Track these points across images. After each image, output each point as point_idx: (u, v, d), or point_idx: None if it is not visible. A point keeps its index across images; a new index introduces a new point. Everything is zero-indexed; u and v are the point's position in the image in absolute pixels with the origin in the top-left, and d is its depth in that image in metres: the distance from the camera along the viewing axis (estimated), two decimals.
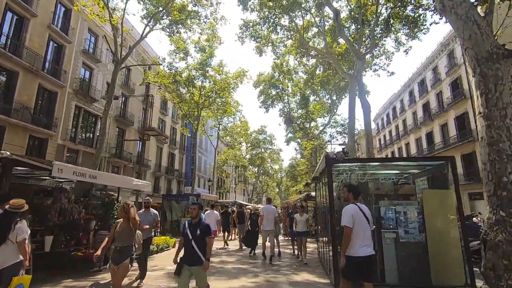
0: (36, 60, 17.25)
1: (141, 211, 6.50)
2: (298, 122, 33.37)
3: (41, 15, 17.75)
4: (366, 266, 3.46)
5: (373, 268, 3.90)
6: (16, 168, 6.53)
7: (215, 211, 10.89)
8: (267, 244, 8.15)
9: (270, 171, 56.86)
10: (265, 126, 53.92)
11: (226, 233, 12.59)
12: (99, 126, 23.20)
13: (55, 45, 19.38)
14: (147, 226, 6.11)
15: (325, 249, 7.37)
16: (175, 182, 37.04)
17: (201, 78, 23.99)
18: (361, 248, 3.44)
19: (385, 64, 21.07)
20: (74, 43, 20.61)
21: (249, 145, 49.80)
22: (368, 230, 3.57)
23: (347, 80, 25.56)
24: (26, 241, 3.55)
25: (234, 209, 16.91)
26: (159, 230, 10.49)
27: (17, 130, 16.02)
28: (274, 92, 32.49)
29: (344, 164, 5.62)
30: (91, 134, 22.77)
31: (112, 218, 8.79)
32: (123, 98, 26.88)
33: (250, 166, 52.58)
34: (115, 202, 9.14)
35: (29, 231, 3.70)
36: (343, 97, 29.34)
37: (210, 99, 25.70)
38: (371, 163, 5.94)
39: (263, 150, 52.98)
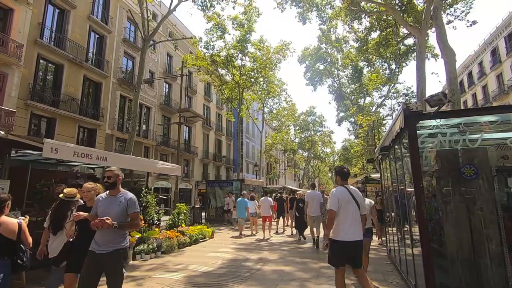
0: (79, 51, 17.51)
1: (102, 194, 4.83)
2: (351, 98, 29.92)
3: (81, 6, 17.87)
4: (353, 252, 3.31)
5: (360, 253, 3.41)
6: (29, 152, 5.83)
7: (269, 198, 11.03)
8: (314, 230, 8.09)
9: (321, 154, 53.66)
10: (314, 107, 50.54)
11: (282, 219, 12.50)
12: (144, 114, 23.44)
13: (97, 36, 19.57)
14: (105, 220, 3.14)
15: (398, 246, 5.28)
16: (223, 168, 36.88)
17: (240, 56, 22.38)
18: (347, 233, 3.31)
19: (463, 12, 16.77)
20: (114, 33, 20.67)
21: (297, 128, 47.37)
22: (357, 214, 3.40)
23: (409, 44, 21.55)
24: None
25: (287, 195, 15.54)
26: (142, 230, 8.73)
27: (67, 121, 16.52)
28: (322, 67, 29.44)
29: (437, 122, 3.44)
30: (138, 123, 23.09)
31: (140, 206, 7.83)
32: (166, 86, 26.86)
33: (300, 150, 50.24)
34: (143, 188, 8.16)
35: None
36: (404, 65, 25.05)
37: (252, 79, 24.05)
38: (488, 116, 3.47)
39: (312, 133, 50.05)
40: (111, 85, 20.04)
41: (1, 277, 2.49)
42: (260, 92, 29.80)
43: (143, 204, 8.12)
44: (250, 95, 29.26)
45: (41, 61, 15.61)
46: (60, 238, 3.45)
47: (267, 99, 31.43)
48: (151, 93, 24.65)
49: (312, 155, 52.33)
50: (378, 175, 14.65)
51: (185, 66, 22.18)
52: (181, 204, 9.28)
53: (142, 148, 22.88)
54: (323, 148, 54.93)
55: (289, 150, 42.86)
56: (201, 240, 8.82)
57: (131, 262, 6.08)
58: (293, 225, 10.41)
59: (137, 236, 6.51)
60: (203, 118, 13.71)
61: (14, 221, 2.75)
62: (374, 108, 29.65)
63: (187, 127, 29.86)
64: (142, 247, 6.43)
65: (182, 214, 9.12)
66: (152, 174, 22.14)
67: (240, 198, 11.01)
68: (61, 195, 3.68)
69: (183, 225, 8.89)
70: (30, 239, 2.84)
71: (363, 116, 20.66)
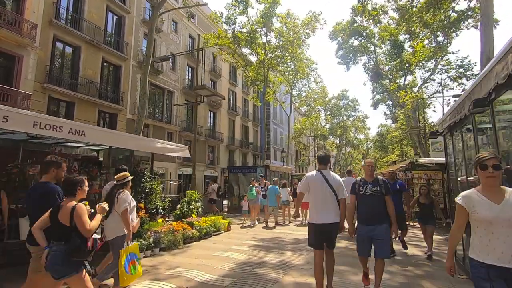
0: (97, 33, 16.82)
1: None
2: (389, 77, 26.81)
3: None
4: (326, 233, 3.41)
5: (334, 235, 3.46)
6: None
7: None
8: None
9: (354, 141, 50.39)
10: (346, 90, 47.03)
11: None
12: (166, 98, 22.67)
13: (115, 16, 18.81)
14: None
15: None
16: (250, 155, 35.69)
17: (264, 31, 20.50)
18: (318, 215, 3.44)
19: None
20: (133, 13, 19.80)
21: (328, 113, 44.60)
22: (329, 197, 3.45)
23: (462, 9, 18.22)
24: (129, 212, 3.60)
25: None
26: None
27: (86, 105, 16.04)
28: (356, 43, 26.52)
29: None
30: (160, 108, 22.41)
31: (139, 194, 6.68)
32: (189, 69, 25.85)
33: (331, 137, 47.52)
34: (146, 173, 6.98)
35: (133, 203, 3.81)
36: (454, 35, 21.51)
37: (278, 58, 22.12)
38: None
39: (345, 118, 46.95)
40: (131, 68, 19.34)
41: (59, 262, 2.37)
42: (287, 74, 27.77)
43: (146, 190, 6.96)
44: (276, 77, 27.40)
45: (57, 42, 15.08)
46: (112, 219, 3.56)
47: (295, 81, 29.28)
48: (174, 77, 23.77)
49: (344, 141, 49.35)
50: (427, 159, 12.36)
51: (206, 46, 20.86)
52: (192, 191, 8.04)
53: (165, 133, 22.22)
54: (356, 134, 51.57)
55: (319, 136, 40.46)
56: (214, 234, 7.53)
57: None
58: None
59: None
60: (221, 96, 12.30)
61: (69, 206, 2.48)
62: (417, 88, 26.31)
63: (211, 113, 28.88)
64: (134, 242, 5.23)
65: (193, 203, 7.88)
66: (167, 159, 21.44)
67: (271, 186, 10.06)
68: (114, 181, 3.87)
69: (193, 215, 7.65)
70: (87, 225, 2.46)
71: (406, 92, 17.90)
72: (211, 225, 7.40)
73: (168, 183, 20.28)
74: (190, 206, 7.74)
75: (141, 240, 5.37)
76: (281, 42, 21.02)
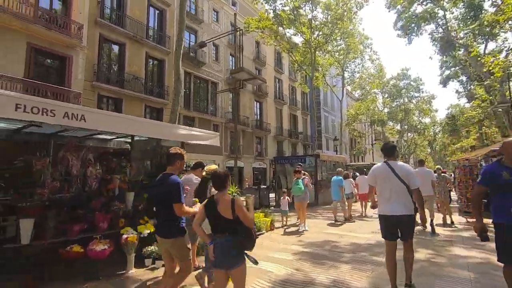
0: (139, 28, 16.94)
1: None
2: (464, 46, 22.40)
3: None
4: (398, 225, 3.27)
5: (408, 228, 3.27)
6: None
7: (366, 176, 9.53)
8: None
9: (418, 126, 44.69)
10: (407, 68, 41.64)
11: None
12: (210, 90, 22.30)
13: (156, 11, 18.82)
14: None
15: None
16: (300, 145, 33.99)
17: (309, 7, 18.51)
18: (388, 207, 3.32)
19: None
20: (173, 6, 19.59)
21: (386, 95, 40.17)
22: (398, 189, 3.28)
23: None
24: None
25: None
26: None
27: (132, 100, 16.32)
28: (420, 9, 22.69)
29: None
30: (205, 100, 22.16)
31: None
32: (232, 59, 25.12)
33: (390, 122, 42.88)
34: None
35: None
36: None
37: (326, 36, 19.93)
38: None
39: (406, 100, 41.86)
40: (174, 61, 19.21)
41: (230, 253, 2.40)
42: (337, 54, 25.22)
43: None
44: (325, 58, 25.08)
45: (103, 41, 15.47)
46: None
47: (347, 62, 26.50)
48: (217, 68, 23.30)
49: (406, 126, 44.19)
50: None
51: (248, 31, 19.76)
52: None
53: (210, 126, 21.92)
54: (420, 118, 45.70)
55: (376, 121, 36.65)
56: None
57: (132, 271, 4.08)
58: None
59: (146, 232, 4.47)
60: (262, 80, 11.09)
61: (227, 199, 2.48)
62: (504, 55, 21.44)
63: (257, 103, 27.91)
64: (152, 248, 4.37)
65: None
66: (214, 151, 21.00)
67: (334, 177, 8.93)
68: (204, 173, 3.86)
69: None
70: (249, 216, 2.48)
71: (495, 58, 14.26)
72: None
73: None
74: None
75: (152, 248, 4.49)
76: (328, 17, 18.83)
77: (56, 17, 13.27)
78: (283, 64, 31.84)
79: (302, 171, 7.84)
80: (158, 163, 6.04)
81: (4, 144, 5.62)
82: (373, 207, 3.81)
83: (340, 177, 8.76)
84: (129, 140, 6.88)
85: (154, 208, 3.07)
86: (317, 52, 22.69)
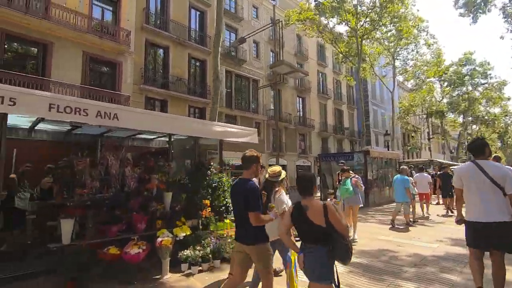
0: (182, 31, 17.40)
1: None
2: None
3: None
4: (490, 234, 2.81)
5: (501, 238, 2.78)
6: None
7: (425, 173, 10.04)
8: None
9: (486, 116, 39.25)
10: (471, 52, 36.66)
11: (448, 199, 9.88)
12: (252, 87, 22.11)
13: (197, 12, 19.16)
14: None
15: None
16: (346, 142, 32.23)
17: None
18: (475, 212, 2.95)
19: None
20: (213, 6, 19.75)
21: (445, 84, 36.01)
22: (489, 191, 2.84)
23: None
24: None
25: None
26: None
27: (177, 101, 16.83)
28: None
29: None
30: (246, 98, 22.05)
31: (204, 188, 5.68)
32: (273, 55, 24.61)
33: (450, 113, 38.41)
34: (212, 164, 5.93)
35: (289, 202, 3.31)
36: None
37: (373, 22, 18.35)
38: None
39: (470, 88, 37.05)
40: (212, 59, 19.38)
41: (321, 265, 2.23)
42: (387, 42, 23.17)
43: (213, 185, 5.90)
44: (373, 47, 23.23)
45: (149, 45, 16.16)
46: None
47: (398, 49, 24.20)
48: (258, 65, 23.02)
49: (470, 118, 39.22)
50: None
51: (288, 24, 19.11)
52: None
53: (252, 123, 21.72)
54: (488, 108, 40.14)
55: (434, 113, 33.06)
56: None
57: (167, 276, 3.88)
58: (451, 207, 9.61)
59: (182, 235, 4.25)
60: (304, 72, 10.33)
61: (318, 205, 2.32)
62: None
63: (300, 98, 27.03)
64: (188, 252, 4.13)
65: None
66: (255, 149, 20.77)
67: (398, 176, 7.94)
68: (266, 175, 3.46)
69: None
70: (344, 223, 2.31)
71: None
72: None
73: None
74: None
75: (193, 249, 4.22)
76: (377, 1, 17.25)
77: (107, 26, 14.18)
78: (326, 57, 30.40)
79: (351, 172, 6.88)
80: (196, 162, 5.85)
81: (56, 145, 5.90)
82: (458, 222, 3.19)
83: (406, 177, 7.76)
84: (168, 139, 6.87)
85: (233, 212, 2.96)
86: (364, 41, 21.11)
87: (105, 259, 3.78)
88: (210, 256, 4.24)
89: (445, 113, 35.52)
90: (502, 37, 17.65)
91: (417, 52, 25.39)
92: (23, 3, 11.69)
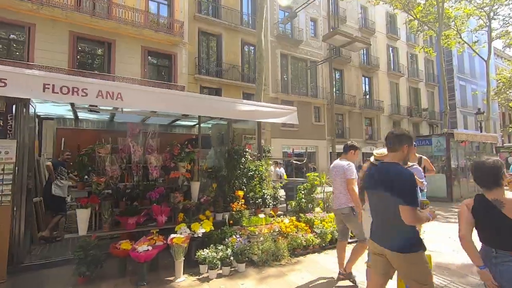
0: (234, 16, 16.96)
1: None
2: None
3: None
4: None
5: None
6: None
7: None
8: None
9: None
10: None
11: None
12: (309, 71, 20.57)
13: None
14: None
15: None
16: (424, 125, 27.96)
17: None
18: None
19: None
20: None
21: None
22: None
23: None
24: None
25: None
26: None
27: (231, 89, 16.60)
28: None
29: None
30: (304, 81, 20.64)
31: (238, 178, 5.04)
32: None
33: None
34: (247, 150, 5.25)
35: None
36: None
37: None
38: None
39: None
40: (269, 44, 18.52)
41: None
42: None
43: (249, 173, 5.21)
44: (460, 8, 19.04)
45: (202, 34, 16.16)
46: (367, 214, 2.74)
47: (495, 6, 19.30)
48: (316, 45, 21.26)
49: None
50: None
51: None
52: (315, 174, 5.56)
53: (311, 108, 20.35)
54: None
55: None
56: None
57: (181, 279, 3.34)
58: None
59: (201, 231, 3.66)
60: (364, 42, 8.50)
61: None
62: None
63: (366, 78, 24.22)
64: (206, 252, 3.52)
65: (316, 190, 5.44)
66: (316, 136, 19.08)
67: None
68: (371, 159, 3.01)
69: (315, 209, 5.21)
70: None
71: None
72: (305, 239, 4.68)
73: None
74: (312, 195, 5.33)
75: (214, 249, 3.59)
76: None
77: (162, 19, 14.58)
78: (397, 28, 26.44)
79: (418, 155, 4.77)
80: (229, 149, 5.21)
81: (99, 134, 5.91)
82: None
83: None
84: (207, 125, 6.40)
85: (369, 208, 2.25)
86: (447, 1, 17.39)
87: (118, 254, 3.44)
88: (232, 258, 3.55)
89: None
90: None
91: None
92: (90, 6, 12.71)
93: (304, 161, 13.50)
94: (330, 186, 6.11)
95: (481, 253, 1.88)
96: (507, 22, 20.55)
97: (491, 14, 19.68)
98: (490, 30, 20.35)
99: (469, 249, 1.85)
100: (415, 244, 1.94)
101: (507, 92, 24.85)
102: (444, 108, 16.11)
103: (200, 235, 3.65)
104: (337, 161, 3.49)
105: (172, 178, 4.54)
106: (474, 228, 1.88)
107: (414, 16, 17.70)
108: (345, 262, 3.40)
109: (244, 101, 4.43)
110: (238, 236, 3.88)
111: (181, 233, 3.59)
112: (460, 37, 19.82)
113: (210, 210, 4.49)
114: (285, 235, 4.37)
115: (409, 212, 1.84)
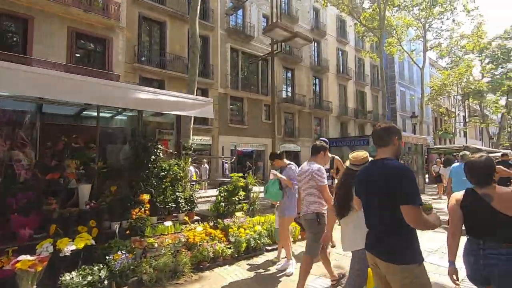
0: (180, 3, 15.86)
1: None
2: None
3: None
4: None
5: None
6: None
7: None
8: None
9: None
10: None
11: None
12: (261, 67, 20.29)
13: None
14: None
15: None
16: (369, 126, 29.59)
17: None
18: None
19: None
20: None
21: (487, 61, 31.71)
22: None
23: None
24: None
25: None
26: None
27: (175, 82, 15.52)
28: None
29: None
30: (255, 79, 20.30)
31: (145, 180, 4.30)
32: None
33: (491, 94, 34.04)
34: (158, 146, 4.52)
35: None
36: None
37: None
38: None
39: None
40: (219, 38, 17.77)
41: None
42: (417, 9, 20.13)
43: (160, 174, 4.50)
44: (401, 18, 20.32)
45: (143, 20, 14.82)
46: (349, 226, 2.45)
47: (430, 20, 20.98)
48: (268, 41, 20.96)
49: None
50: None
51: None
52: (239, 174, 5.06)
53: (262, 106, 20.11)
54: None
55: (472, 94, 29.30)
56: (267, 249, 4.38)
57: None
58: None
59: (70, 248, 2.87)
60: (307, 40, 8.31)
61: (508, 190, 1.93)
62: None
63: (316, 79, 24.77)
64: (70, 277, 2.75)
65: (240, 193, 4.93)
66: (265, 134, 18.80)
67: (456, 164, 5.74)
68: (346, 163, 2.65)
69: (237, 213, 4.71)
70: None
71: None
72: (258, 235, 4.24)
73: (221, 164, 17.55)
74: (234, 199, 4.81)
75: (86, 271, 2.83)
76: None
77: None
78: (347, 32, 27.56)
79: (330, 155, 4.11)
80: (136, 145, 4.43)
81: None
82: None
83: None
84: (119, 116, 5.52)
85: (364, 211, 1.98)
86: (389, 10, 18.37)
87: None
88: (106, 283, 2.83)
89: (484, 94, 31.43)
90: None
91: (453, 20, 21.93)
92: None
93: (233, 160, 13.14)
94: (256, 186, 5.67)
95: (467, 244, 1.96)
96: (439, 34, 22.51)
97: (426, 25, 21.34)
98: (425, 41, 22.10)
99: (453, 246, 1.95)
100: (412, 254, 1.71)
101: (438, 99, 27.41)
102: (383, 110, 17.00)
103: (68, 253, 2.86)
104: (306, 165, 3.11)
105: (52, 180, 3.64)
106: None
107: (360, 22, 18.41)
108: (333, 269, 3.25)
109: (145, 88, 3.70)
110: (124, 252, 3.16)
111: (40, 253, 2.77)
112: (400, 45, 21.19)
113: (103, 219, 3.72)
114: (192, 246, 3.77)
115: (414, 212, 1.62)
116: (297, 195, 3.61)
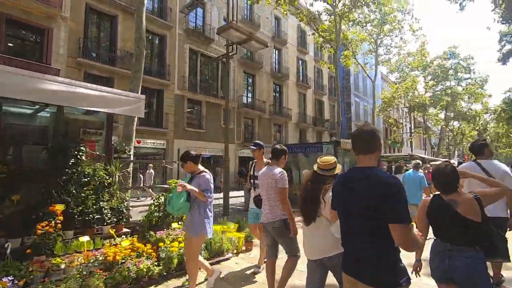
0: None
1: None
2: None
3: None
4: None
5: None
6: None
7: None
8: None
9: (468, 113, 38.61)
10: (456, 46, 35.72)
11: None
12: (221, 70, 19.92)
13: None
14: None
15: None
16: (326, 134, 30.70)
17: None
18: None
19: None
20: None
21: (429, 78, 34.99)
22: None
23: None
24: None
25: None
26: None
27: (126, 80, 14.43)
28: None
29: None
30: (215, 83, 19.87)
31: (61, 188, 3.65)
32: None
33: (433, 108, 37.54)
34: (80, 148, 3.90)
35: None
36: None
37: (353, 1, 16.50)
38: None
39: (453, 84, 36.21)
40: (177, 37, 17.09)
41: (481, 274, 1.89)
42: (370, 25, 21.45)
43: (81, 180, 3.87)
44: (355, 32, 21.47)
45: (90, 12, 13.66)
46: (318, 232, 2.27)
47: (381, 36, 22.50)
48: None
49: (452, 114, 38.51)
50: None
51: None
52: (177, 180, 4.63)
53: (221, 111, 19.69)
54: (470, 104, 39.54)
55: (417, 107, 31.97)
56: (218, 260, 3.97)
57: None
58: None
59: None
60: (263, 43, 8.21)
61: (469, 197, 1.99)
62: None
63: (277, 86, 25.07)
64: None
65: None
66: (222, 139, 18.31)
67: (410, 172, 6.18)
68: (315, 167, 2.50)
69: (173, 224, 4.24)
70: None
71: None
72: (217, 242, 3.82)
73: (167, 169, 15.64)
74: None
75: None
76: None
77: None
78: (307, 43, 28.46)
79: (266, 160, 3.94)
80: (52, 146, 3.77)
81: None
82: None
83: (422, 174, 6.01)
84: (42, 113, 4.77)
85: (341, 226, 1.74)
86: (345, 24, 19.26)
87: None
88: None
89: (427, 108, 34.54)
90: (488, 28, 16.18)
91: (401, 38, 23.81)
92: None
93: (163, 164, 12.72)
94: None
95: (434, 245, 2.07)
96: (389, 50, 24.23)
97: (378, 41, 22.82)
98: (377, 55, 23.61)
99: (419, 245, 1.93)
100: (396, 276, 1.53)
101: (388, 110, 29.43)
102: (338, 119, 17.63)
103: None
104: (267, 169, 3.05)
105: None
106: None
107: (318, 33, 19.04)
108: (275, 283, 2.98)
109: (58, 78, 3.12)
110: (12, 278, 2.55)
111: None
112: (355, 58, 22.36)
113: None
114: (113, 265, 3.23)
115: (403, 231, 1.46)
116: (211, 211, 3.13)
